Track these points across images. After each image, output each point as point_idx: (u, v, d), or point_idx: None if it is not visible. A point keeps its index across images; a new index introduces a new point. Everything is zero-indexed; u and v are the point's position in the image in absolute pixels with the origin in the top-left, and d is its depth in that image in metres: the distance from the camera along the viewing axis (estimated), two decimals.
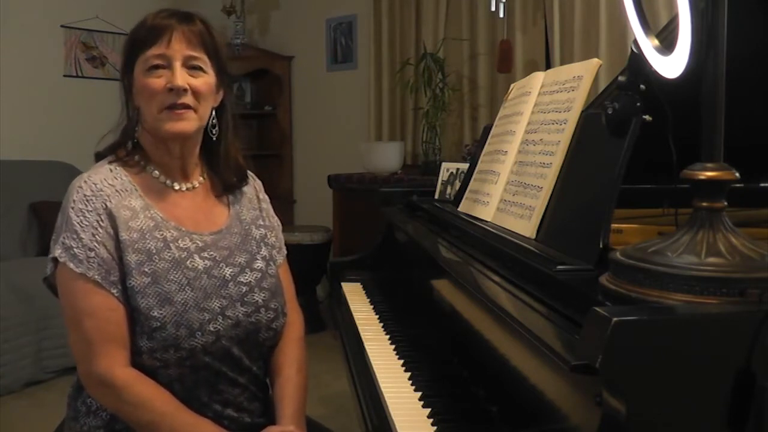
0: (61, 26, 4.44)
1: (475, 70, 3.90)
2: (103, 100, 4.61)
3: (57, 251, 1.20)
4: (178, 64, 1.23)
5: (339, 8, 4.60)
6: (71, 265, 1.18)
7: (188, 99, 1.23)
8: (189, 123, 1.24)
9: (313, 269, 3.84)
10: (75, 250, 1.19)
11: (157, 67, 1.22)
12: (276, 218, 1.47)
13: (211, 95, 1.28)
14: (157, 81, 1.22)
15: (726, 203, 0.76)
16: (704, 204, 0.76)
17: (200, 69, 1.25)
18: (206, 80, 1.26)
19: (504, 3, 3.53)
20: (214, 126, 1.32)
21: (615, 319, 0.65)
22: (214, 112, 1.32)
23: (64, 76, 4.48)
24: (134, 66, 1.25)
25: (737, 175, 0.75)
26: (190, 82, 1.23)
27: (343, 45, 4.62)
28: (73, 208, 1.21)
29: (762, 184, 1.48)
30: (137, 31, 1.27)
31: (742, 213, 1.29)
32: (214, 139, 1.34)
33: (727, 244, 0.73)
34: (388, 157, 3.86)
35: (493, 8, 3.53)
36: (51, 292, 1.28)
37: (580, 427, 0.78)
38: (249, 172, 1.44)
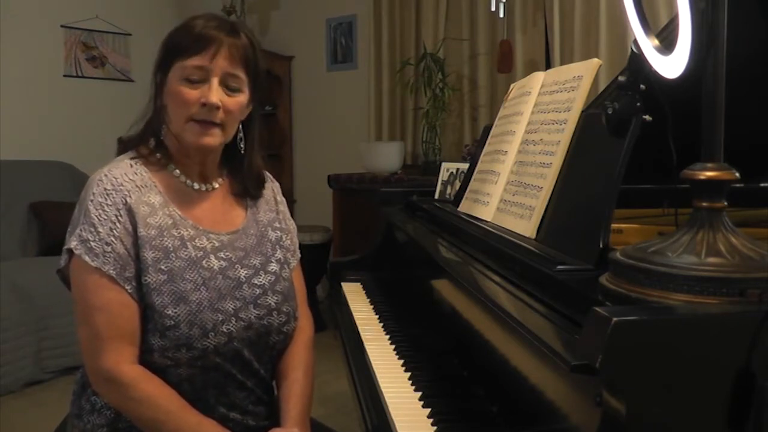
0: (61, 26, 4.44)
1: (475, 70, 3.90)
2: (103, 100, 4.63)
3: (73, 243, 1.19)
4: (215, 81, 1.22)
5: (339, 8, 4.60)
6: (87, 259, 1.18)
7: (218, 116, 1.23)
8: (213, 138, 1.25)
9: (313, 269, 3.84)
10: (92, 243, 1.18)
11: (194, 79, 1.22)
12: (292, 221, 1.47)
13: (240, 114, 1.29)
14: (192, 92, 1.21)
15: (726, 203, 0.76)
16: (704, 204, 0.76)
17: (236, 89, 1.25)
18: (239, 100, 1.25)
19: (504, 3, 3.53)
20: (241, 140, 1.33)
21: (615, 319, 0.65)
22: (241, 125, 1.32)
23: (64, 76, 4.49)
24: (170, 66, 1.24)
25: (737, 175, 0.75)
26: (223, 100, 1.22)
27: (343, 45, 4.62)
28: (92, 201, 1.20)
29: (762, 184, 1.48)
30: (182, 35, 1.24)
31: (741, 213, 1.29)
32: (242, 152, 1.34)
33: (727, 244, 0.73)
34: (388, 157, 3.86)
35: (493, 8, 3.53)
36: (64, 284, 1.27)
37: (580, 427, 0.78)
38: (267, 174, 1.43)
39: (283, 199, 1.47)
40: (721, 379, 0.67)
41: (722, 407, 0.67)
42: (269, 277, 1.32)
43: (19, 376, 3.12)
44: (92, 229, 1.18)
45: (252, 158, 1.36)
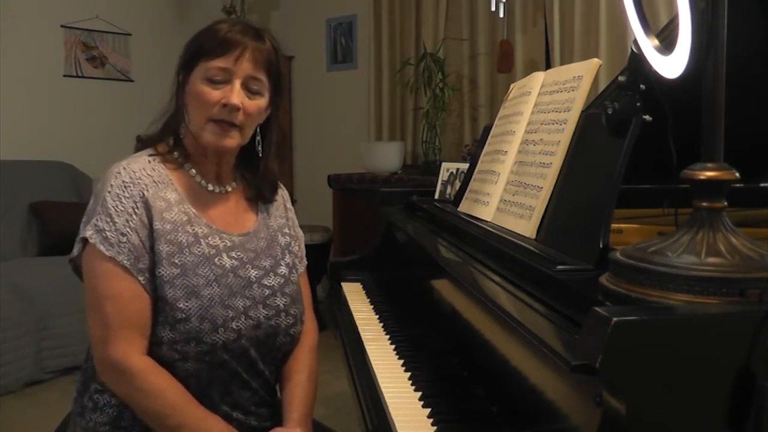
0: (61, 26, 4.44)
1: (475, 70, 3.90)
2: (103, 100, 4.62)
3: (88, 232, 1.20)
4: (238, 83, 1.24)
5: (339, 8, 4.60)
6: (102, 248, 1.19)
7: (238, 118, 1.25)
8: (231, 140, 1.26)
9: (313, 269, 3.82)
10: (107, 233, 1.19)
11: (216, 80, 1.24)
12: (300, 230, 1.49)
13: (259, 117, 1.30)
14: (214, 93, 1.23)
15: (726, 203, 0.76)
16: (704, 204, 0.76)
17: (257, 93, 1.27)
18: (259, 103, 1.27)
19: (504, 3, 3.53)
20: (259, 143, 1.35)
21: (615, 319, 0.65)
22: (258, 129, 1.34)
23: (64, 76, 4.48)
24: (193, 68, 1.26)
25: (737, 175, 0.75)
26: (244, 102, 1.24)
27: (343, 45, 4.62)
28: (110, 192, 1.22)
29: (762, 184, 1.48)
30: (207, 38, 1.27)
31: (741, 213, 1.29)
32: (260, 155, 1.36)
33: (727, 244, 0.73)
34: (388, 157, 3.86)
35: (493, 8, 3.53)
36: (75, 274, 1.29)
37: (580, 427, 0.78)
38: (278, 182, 1.46)
39: (292, 207, 1.50)
40: (721, 379, 0.67)
41: (722, 407, 0.67)
42: (278, 279, 1.33)
43: (19, 376, 3.12)
44: (108, 219, 1.20)
45: (268, 162, 1.38)
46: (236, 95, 1.23)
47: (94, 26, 4.56)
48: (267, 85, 1.29)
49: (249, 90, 1.26)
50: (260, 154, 1.36)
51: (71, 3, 4.46)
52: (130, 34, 4.72)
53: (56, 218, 3.80)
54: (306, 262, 1.48)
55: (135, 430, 1.24)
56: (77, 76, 4.54)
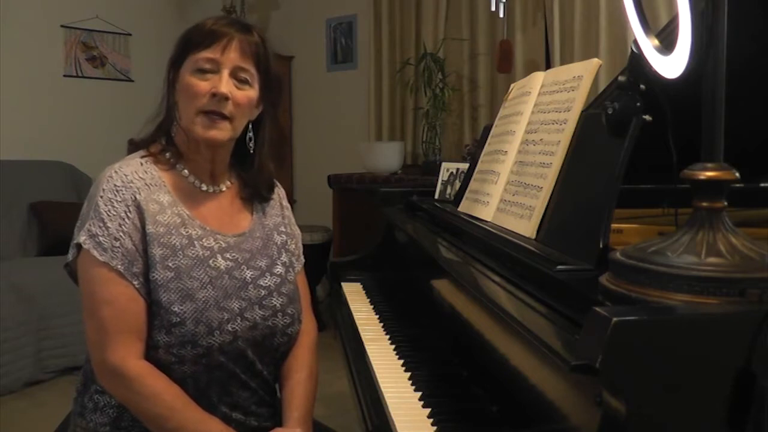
0: (61, 26, 4.44)
1: (475, 70, 3.90)
2: (103, 100, 4.62)
3: (81, 237, 1.20)
4: (226, 72, 1.24)
5: (339, 8, 4.60)
6: (95, 253, 1.19)
7: (227, 108, 1.24)
8: (222, 132, 1.26)
9: (313, 269, 3.82)
10: (100, 238, 1.19)
11: (205, 71, 1.24)
12: (297, 227, 1.49)
13: (249, 109, 1.29)
14: (202, 84, 1.23)
15: (726, 203, 0.76)
16: (704, 204, 0.76)
17: (246, 82, 1.27)
18: (248, 94, 1.27)
19: (504, 3, 3.53)
20: (251, 139, 1.34)
21: (615, 319, 0.65)
22: (250, 125, 1.33)
23: (64, 76, 4.48)
24: (182, 63, 1.27)
25: (737, 175, 0.75)
26: (233, 92, 1.24)
27: (343, 45, 4.62)
28: (102, 196, 1.21)
29: (762, 184, 1.48)
30: (194, 32, 1.27)
31: (742, 213, 1.29)
32: (251, 151, 1.35)
33: (727, 244, 0.73)
34: (388, 157, 3.86)
35: (493, 8, 3.54)
36: (71, 279, 1.29)
37: (580, 427, 0.78)
38: (275, 180, 1.45)
39: (289, 205, 1.49)
40: (721, 379, 0.67)
41: (722, 407, 0.67)
42: (275, 279, 1.33)
43: (19, 376, 3.12)
44: (101, 224, 1.19)
45: (262, 160, 1.37)
46: (224, 84, 1.23)
47: (94, 26, 4.57)
48: (256, 77, 1.28)
49: (237, 79, 1.25)
50: (251, 151, 1.35)
51: (71, 3, 4.46)
52: (130, 34, 4.72)
53: (56, 218, 3.80)
54: (303, 260, 1.48)
55: (135, 431, 1.24)
56: (77, 76, 4.54)
